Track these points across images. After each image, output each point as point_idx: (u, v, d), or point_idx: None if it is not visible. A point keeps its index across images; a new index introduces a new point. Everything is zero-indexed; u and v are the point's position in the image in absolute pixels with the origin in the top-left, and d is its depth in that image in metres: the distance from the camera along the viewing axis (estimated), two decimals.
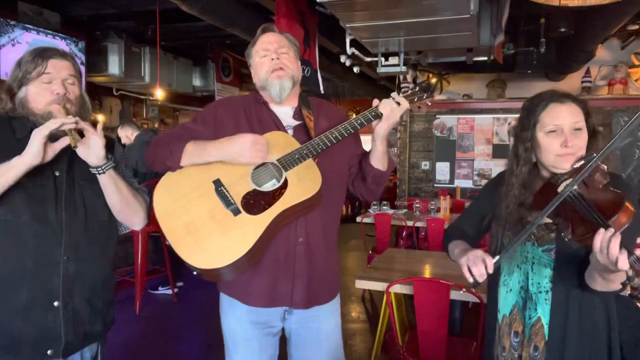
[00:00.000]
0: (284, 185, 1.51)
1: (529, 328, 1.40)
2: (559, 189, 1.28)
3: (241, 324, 1.65)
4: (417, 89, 1.67)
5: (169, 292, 4.54)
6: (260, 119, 1.63)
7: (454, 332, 2.65)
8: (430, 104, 1.70)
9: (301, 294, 1.61)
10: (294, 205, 1.49)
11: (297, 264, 1.60)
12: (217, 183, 1.51)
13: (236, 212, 1.47)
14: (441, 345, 2.24)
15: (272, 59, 1.61)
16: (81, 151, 1.37)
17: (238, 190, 1.50)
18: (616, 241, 1.08)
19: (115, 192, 1.45)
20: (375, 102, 1.59)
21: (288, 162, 1.52)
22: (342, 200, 1.78)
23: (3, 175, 1.27)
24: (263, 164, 1.53)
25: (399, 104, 1.57)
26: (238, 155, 1.49)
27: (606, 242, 1.09)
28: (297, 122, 1.66)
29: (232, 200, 1.48)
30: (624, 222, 1.14)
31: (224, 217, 1.47)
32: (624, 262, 1.05)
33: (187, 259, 1.46)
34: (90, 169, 1.40)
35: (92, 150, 1.37)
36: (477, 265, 1.31)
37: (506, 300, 1.47)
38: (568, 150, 1.32)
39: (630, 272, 1.05)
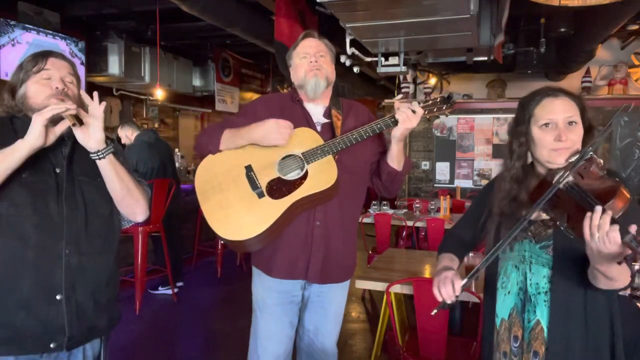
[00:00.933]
0: (305, 176, 1.72)
1: (528, 332, 1.36)
2: (554, 181, 1.26)
3: (268, 292, 1.90)
4: (438, 99, 1.78)
5: (169, 292, 4.54)
6: (294, 115, 1.83)
7: (454, 332, 2.65)
8: (448, 115, 1.80)
9: (316, 271, 1.83)
10: (310, 195, 1.70)
11: (315, 244, 1.81)
12: (248, 168, 1.75)
13: (260, 195, 1.71)
14: (441, 345, 2.24)
15: (311, 62, 1.82)
16: (80, 135, 1.38)
17: (265, 176, 1.73)
18: (606, 218, 1.04)
19: (115, 179, 1.45)
20: (397, 104, 1.74)
21: (311, 156, 1.73)
22: (363, 193, 1.97)
23: (6, 158, 1.29)
24: (290, 155, 1.75)
25: (414, 111, 1.70)
26: (263, 137, 1.71)
27: (597, 221, 1.05)
28: (326, 120, 1.87)
29: (258, 185, 1.72)
30: (620, 207, 1.10)
31: (250, 198, 1.71)
32: (615, 237, 1.01)
33: (217, 230, 1.71)
34: (90, 155, 1.41)
35: (91, 134, 1.38)
36: (445, 286, 1.33)
37: (504, 304, 1.43)
38: (562, 144, 1.30)
39: (631, 256, 0.99)
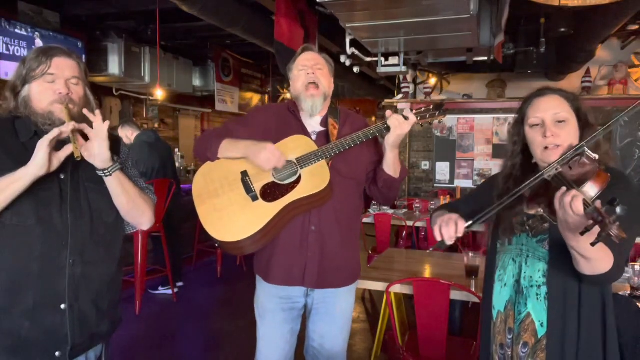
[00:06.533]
0: (298, 180, 1.78)
1: (518, 324, 1.38)
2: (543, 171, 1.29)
3: (269, 298, 1.94)
4: (431, 106, 1.84)
5: (169, 292, 4.55)
6: (289, 125, 1.91)
7: (454, 332, 2.65)
8: (440, 122, 1.87)
9: (312, 276, 1.85)
10: (303, 198, 1.76)
11: (310, 249, 1.85)
12: (244, 174, 1.82)
13: (254, 198, 1.78)
14: (441, 345, 2.24)
15: (308, 74, 1.88)
16: (85, 154, 1.36)
17: (259, 181, 1.80)
18: (570, 193, 1.08)
19: (122, 194, 1.44)
20: (389, 113, 1.77)
21: (304, 161, 1.79)
22: (359, 198, 1.99)
23: (9, 187, 1.27)
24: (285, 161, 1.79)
25: (406, 118, 1.75)
26: (255, 159, 1.76)
27: (560, 195, 1.11)
28: (321, 129, 1.93)
29: (252, 189, 1.79)
30: (600, 186, 1.15)
31: (244, 201, 1.78)
32: (578, 206, 1.05)
33: (211, 232, 1.76)
34: (97, 172, 1.40)
35: (97, 154, 1.37)
36: (448, 226, 1.35)
37: (500, 296, 1.45)
38: (549, 140, 1.32)
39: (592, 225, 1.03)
